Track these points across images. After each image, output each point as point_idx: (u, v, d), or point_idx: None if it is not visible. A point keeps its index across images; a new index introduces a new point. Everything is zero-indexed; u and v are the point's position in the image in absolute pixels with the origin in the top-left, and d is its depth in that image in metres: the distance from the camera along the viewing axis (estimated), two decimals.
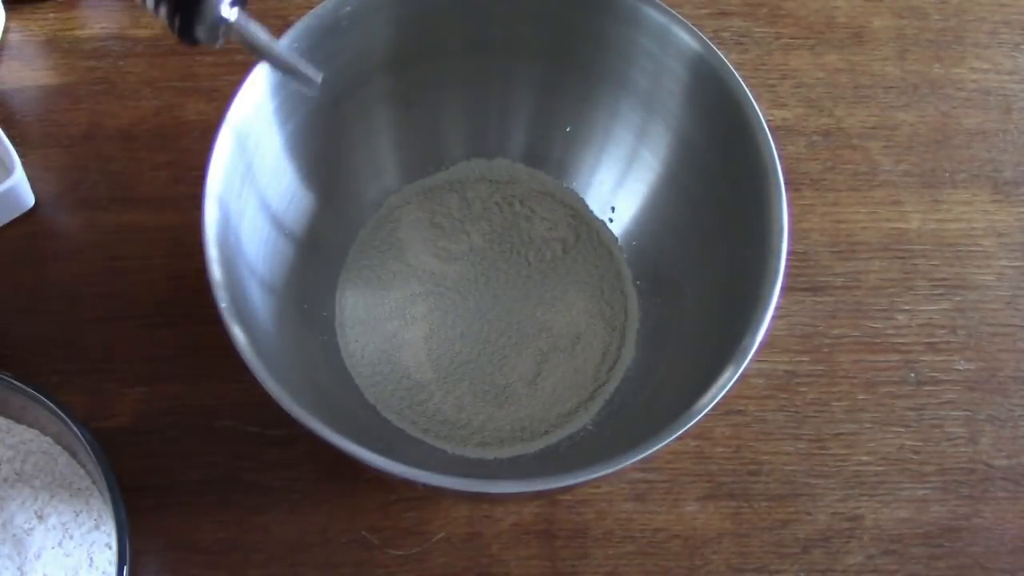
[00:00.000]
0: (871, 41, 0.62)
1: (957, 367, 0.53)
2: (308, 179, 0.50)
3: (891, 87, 0.60)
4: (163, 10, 0.38)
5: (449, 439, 0.49)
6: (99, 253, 0.54)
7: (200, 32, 0.38)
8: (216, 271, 0.40)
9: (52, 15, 0.60)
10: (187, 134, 0.57)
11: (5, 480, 0.46)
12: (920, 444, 0.51)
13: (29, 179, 0.54)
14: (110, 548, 0.45)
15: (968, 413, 0.52)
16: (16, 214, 0.54)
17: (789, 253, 0.41)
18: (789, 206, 0.42)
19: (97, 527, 0.46)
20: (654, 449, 0.38)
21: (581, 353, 0.51)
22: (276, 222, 0.48)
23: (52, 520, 0.45)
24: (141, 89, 0.58)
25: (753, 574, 0.49)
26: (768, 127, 0.43)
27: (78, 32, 0.59)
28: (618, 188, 0.53)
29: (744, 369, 0.39)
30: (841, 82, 0.60)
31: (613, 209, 0.53)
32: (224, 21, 0.38)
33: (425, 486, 0.38)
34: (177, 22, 0.38)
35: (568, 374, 0.51)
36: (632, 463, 0.38)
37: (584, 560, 0.48)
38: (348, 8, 0.45)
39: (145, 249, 0.54)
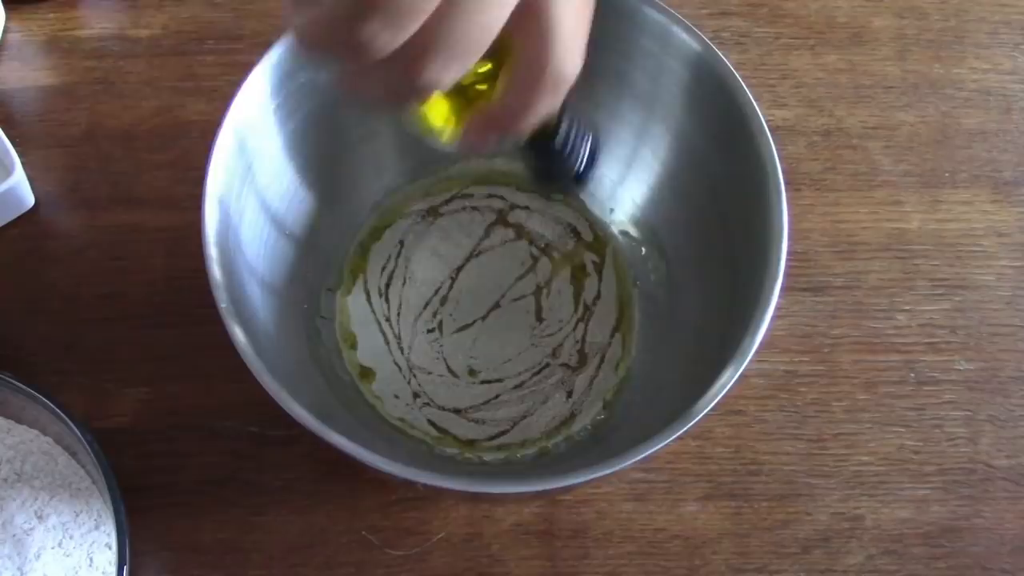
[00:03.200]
0: (871, 41, 0.62)
1: (957, 367, 0.53)
2: (308, 179, 0.50)
3: (891, 87, 0.60)
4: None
5: (449, 439, 0.49)
6: (99, 253, 0.54)
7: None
8: (216, 271, 0.40)
9: (52, 15, 0.60)
10: (187, 134, 0.56)
11: (5, 480, 0.46)
12: (920, 444, 0.51)
13: (29, 179, 0.54)
14: (110, 548, 0.45)
15: (968, 413, 0.52)
16: (16, 214, 0.54)
17: (789, 253, 0.42)
18: (789, 206, 0.42)
19: (97, 527, 0.46)
20: (654, 449, 0.38)
21: (581, 354, 0.51)
22: (276, 222, 0.48)
23: (52, 520, 0.45)
24: (141, 89, 0.58)
25: (753, 574, 0.48)
26: (768, 127, 0.43)
27: (78, 32, 0.59)
28: (618, 188, 0.53)
29: (744, 369, 0.39)
30: (841, 82, 0.60)
31: (612, 210, 0.53)
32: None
33: (425, 486, 0.38)
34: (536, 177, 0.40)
35: (568, 374, 0.51)
36: (632, 463, 0.38)
37: (584, 560, 0.48)
38: None
39: (145, 249, 0.54)
